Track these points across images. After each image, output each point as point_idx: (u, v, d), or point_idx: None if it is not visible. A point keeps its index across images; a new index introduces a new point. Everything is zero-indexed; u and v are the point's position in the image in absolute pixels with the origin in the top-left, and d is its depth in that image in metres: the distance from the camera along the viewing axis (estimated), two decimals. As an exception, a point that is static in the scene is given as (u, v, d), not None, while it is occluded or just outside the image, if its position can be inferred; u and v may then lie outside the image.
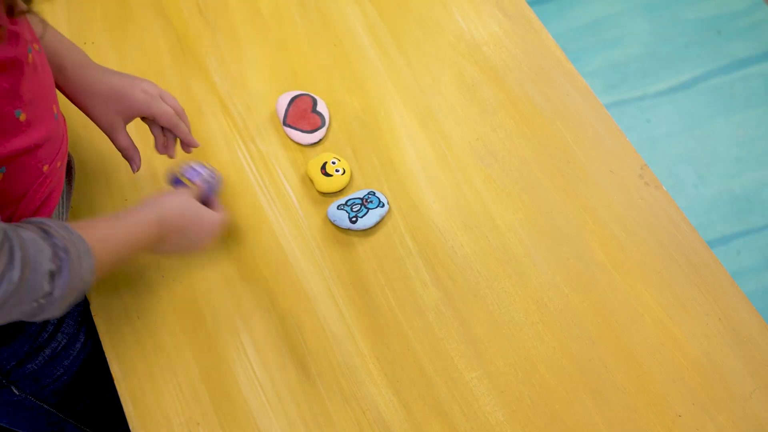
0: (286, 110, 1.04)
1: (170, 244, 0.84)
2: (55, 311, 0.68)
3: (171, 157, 0.93)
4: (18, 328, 0.84)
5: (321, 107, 1.05)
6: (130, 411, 0.86)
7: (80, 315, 0.93)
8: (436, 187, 1.01)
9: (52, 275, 0.65)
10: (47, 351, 0.88)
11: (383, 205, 0.97)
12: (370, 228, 0.97)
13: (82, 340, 0.93)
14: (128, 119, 0.89)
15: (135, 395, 0.87)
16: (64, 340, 0.90)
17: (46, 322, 0.87)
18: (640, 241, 0.98)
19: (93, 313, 0.91)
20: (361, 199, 0.97)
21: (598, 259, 0.97)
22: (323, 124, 1.04)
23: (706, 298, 0.95)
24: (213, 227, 0.89)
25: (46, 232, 0.67)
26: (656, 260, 0.97)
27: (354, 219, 0.95)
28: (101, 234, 0.74)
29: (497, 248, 0.97)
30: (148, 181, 1.00)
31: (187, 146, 0.93)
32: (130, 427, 0.85)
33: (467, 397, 0.88)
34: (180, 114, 0.91)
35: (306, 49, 1.12)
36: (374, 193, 0.98)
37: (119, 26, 1.12)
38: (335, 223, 0.96)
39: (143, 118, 0.91)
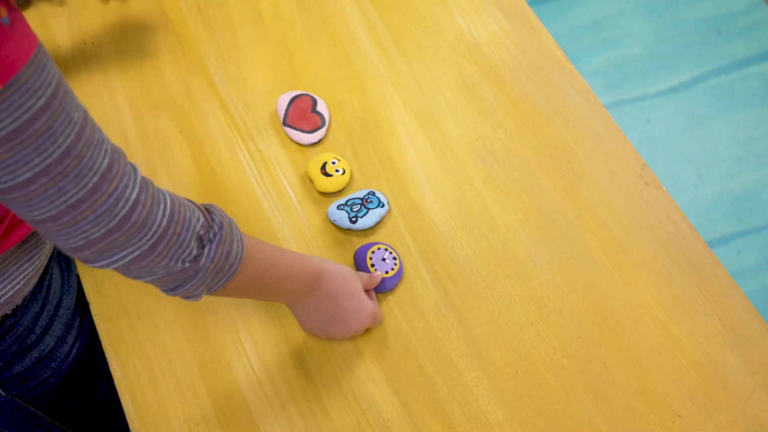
0: (286, 110, 1.04)
1: (317, 306, 0.81)
2: (196, 286, 0.66)
3: None
4: (5, 329, 0.83)
5: (321, 107, 1.05)
6: (130, 411, 0.86)
7: (69, 318, 0.93)
8: (436, 187, 1.01)
9: (202, 241, 0.65)
10: (35, 353, 0.88)
11: (383, 205, 0.97)
12: (370, 228, 0.97)
13: (69, 343, 0.93)
14: None
15: (135, 395, 0.87)
16: (52, 343, 0.90)
17: (34, 324, 0.86)
18: (640, 241, 0.98)
19: (93, 313, 0.91)
20: (361, 199, 0.97)
21: (598, 259, 0.97)
22: (323, 124, 1.04)
23: (706, 298, 0.95)
24: (367, 315, 0.84)
25: (207, 208, 0.68)
26: (656, 260, 0.97)
27: (354, 219, 0.95)
28: (258, 244, 0.73)
29: (497, 248, 0.97)
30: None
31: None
32: (130, 427, 0.85)
33: (467, 397, 0.88)
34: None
35: (306, 49, 1.12)
36: (374, 193, 0.98)
37: (119, 26, 1.12)
38: (335, 223, 0.96)
39: None
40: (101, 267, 0.61)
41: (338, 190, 0.99)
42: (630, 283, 0.95)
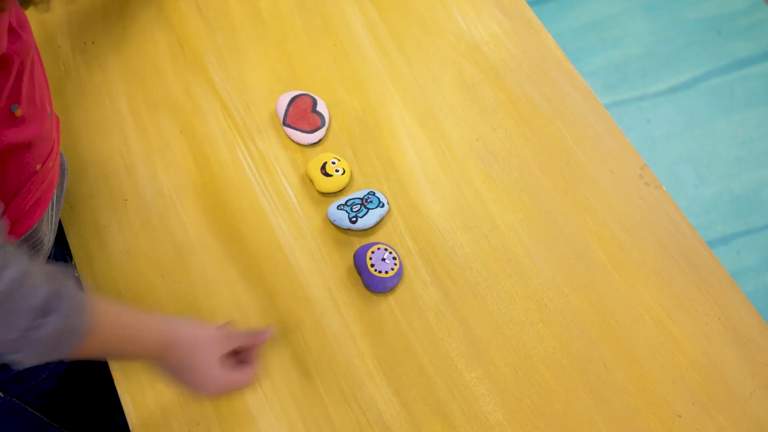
0: (286, 110, 1.04)
1: (171, 372, 0.79)
2: (30, 355, 0.63)
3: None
4: None
5: (321, 107, 1.05)
6: (130, 411, 0.86)
7: None
8: (436, 187, 1.01)
9: (43, 312, 0.61)
10: None
11: (383, 205, 0.97)
12: (370, 228, 0.97)
13: None
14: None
15: (135, 395, 0.87)
16: None
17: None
18: (640, 241, 0.98)
19: (93, 313, 0.91)
20: (361, 199, 0.97)
21: (598, 259, 0.97)
22: (323, 124, 1.04)
23: (706, 298, 0.95)
24: (213, 389, 0.82)
25: (59, 276, 0.64)
26: (656, 260, 0.97)
27: (354, 219, 0.95)
28: (110, 319, 0.71)
29: (497, 248, 0.97)
30: (148, 182, 1.00)
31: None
32: (130, 427, 0.85)
33: (467, 397, 0.88)
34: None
35: (306, 49, 1.12)
36: (374, 193, 0.98)
37: (119, 26, 1.12)
38: (335, 223, 0.96)
39: None
40: None
41: (338, 190, 0.99)
42: (630, 283, 0.95)
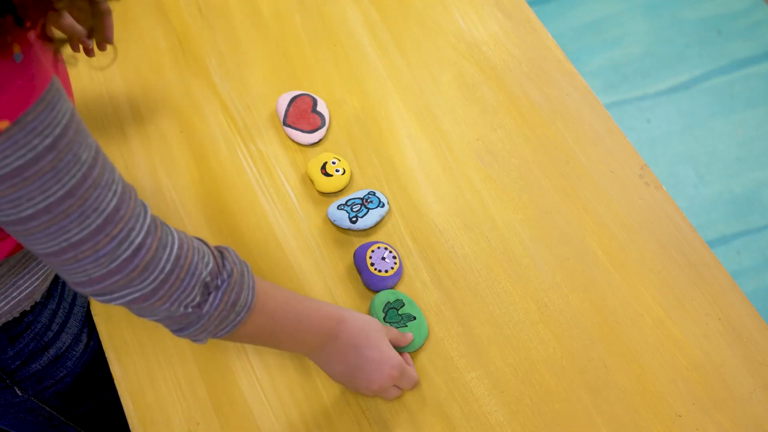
0: (286, 110, 1.04)
1: (337, 356, 0.78)
2: (199, 332, 0.65)
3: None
4: (24, 326, 0.84)
5: (321, 107, 1.05)
6: (130, 411, 0.86)
7: (84, 316, 0.93)
8: (436, 187, 1.01)
9: (207, 288, 0.63)
10: (52, 351, 0.88)
11: (383, 205, 0.97)
12: (370, 228, 0.97)
13: (84, 341, 0.93)
14: None
15: (135, 395, 0.87)
16: (69, 341, 0.90)
17: (50, 321, 0.87)
18: (640, 241, 0.98)
19: (93, 313, 0.91)
20: (361, 199, 0.97)
21: (598, 259, 0.97)
22: (323, 124, 1.04)
23: (706, 298, 0.95)
24: (391, 366, 0.79)
25: (220, 252, 0.66)
26: (656, 260, 0.97)
27: (354, 219, 0.95)
28: (274, 291, 0.71)
29: (497, 248, 0.97)
30: (148, 179, 1.00)
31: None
32: (130, 427, 0.85)
33: (467, 397, 0.88)
34: None
35: (306, 49, 1.12)
36: (374, 193, 0.98)
37: (119, 26, 1.12)
38: (335, 223, 0.96)
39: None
40: (104, 302, 0.61)
41: (338, 190, 0.99)
42: (630, 283, 0.95)
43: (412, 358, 0.89)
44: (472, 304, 0.93)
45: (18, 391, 0.89)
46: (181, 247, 0.62)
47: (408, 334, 0.87)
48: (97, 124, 1.03)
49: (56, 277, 0.87)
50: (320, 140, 1.04)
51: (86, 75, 1.07)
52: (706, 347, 0.92)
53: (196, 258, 0.63)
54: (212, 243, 0.94)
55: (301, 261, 0.95)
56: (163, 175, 1.00)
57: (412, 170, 1.03)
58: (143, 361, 0.89)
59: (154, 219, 0.61)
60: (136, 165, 1.01)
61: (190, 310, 0.63)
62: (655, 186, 1.03)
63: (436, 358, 0.90)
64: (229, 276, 0.65)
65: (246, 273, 0.68)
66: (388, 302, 0.90)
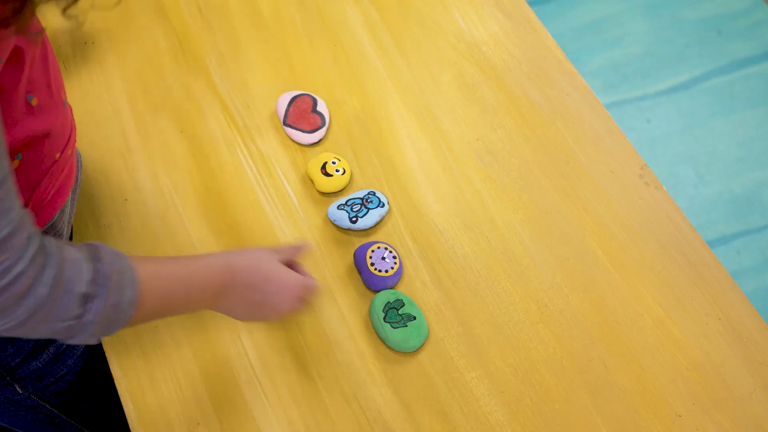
0: (286, 110, 1.04)
1: (238, 302, 0.77)
2: (88, 337, 0.65)
3: None
4: None
5: (321, 107, 1.05)
6: (130, 411, 0.86)
7: None
8: (436, 187, 1.01)
9: (85, 299, 0.62)
10: (51, 349, 0.88)
11: (383, 205, 0.97)
12: (370, 228, 0.97)
13: None
14: None
15: (135, 395, 0.87)
16: None
17: None
18: (640, 241, 0.98)
19: (93, 313, 0.91)
20: (361, 199, 0.97)
21: (598, 259, 0.97)
22: (323, 124, 1.04)
23: (706, 298, 0.95)
24: (291, 291, 0.78)
25: (95, 255, 0.65)
26: (656, 260, 0.97)
27: (354, 219, 0.95)
28: (157, 269, 0.70)
29: (497, 248, 0.97)
30: (148, 179, 1.00)
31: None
32: (130, 427, 0.85)
33: (467, 397, 0.88)
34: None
35: (306, 49, 1.12)
36: (374, 193, 0.98)
37: (119, 26, 1.12)
38: (335, 223, 0.96)
39: None
40: None
41: (338, 190, 0.99)
42: (630, 283, 0.95)
43: (412, 358, 0.89)
44: (472, 304, 0.93)
45: (18, 389, 0.89)
46: (59, 266, 0.60)
47: (300, 244, 0.84)
48: (97, 124, 1.03)
49: None
50: (320, 140, 1.04)
51: (86, 75, 1.07)
52: (706, 347, 0.92)
53: (72, 274, 0.61)
54: (213, 243, 0.95)
55: (301, 261, 0.95)
56: (163, 175, 1.00)
57: (412, 170, 1.03)
58: (143, 361, 0.89)
59: (40, 244, 0.60)
60: (136, 165, 1.01)
61: (72, 322, 0.62)
62: (655, 186, 1.03)
63: (436, 358, 0.90)
64: (107, 279, 0.63)
65: (125, 269, 0.66)
66: (388, 302, 0.90)
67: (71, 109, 0.82)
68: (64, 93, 0.78)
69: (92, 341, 0.66)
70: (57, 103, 0.75)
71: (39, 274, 0.59)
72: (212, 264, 0.75)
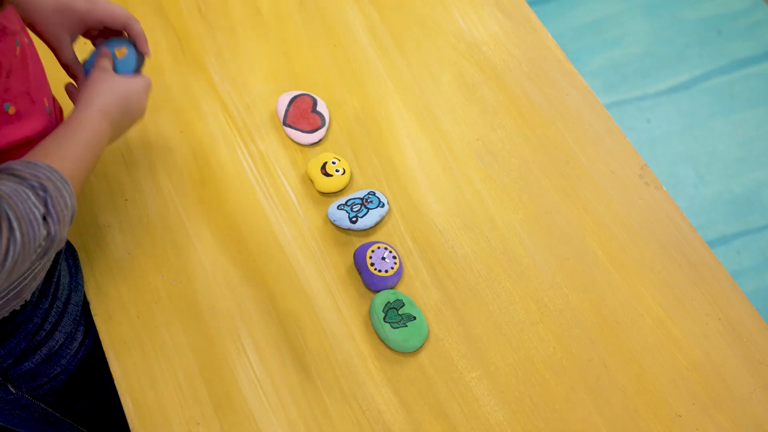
0: (286, 110, 1.04)
1: (121, 127, 0.85)
2: (60, 244, 0.69)
3: (146, 54, 0.91)
4: (15, 325, 0.84)
5: (321, 107, 1.05)
6: (130, 411, 0.86)
7: (78, 314, 0.93)
8: (436, 187, 1.01)
9: (45, 218, 0.66)
10: (44, 349, 0.88)
11: (383, 205, 0.97)
12: (370, 228, 0.97)
13: (79, 339, 0.93)
14: (74, 32, 0.87)
15: (135, 395, 0.87)
16: (62, 339, 0.90)
17: (43, 321, 0.87)
18: (640, 241, 0.98)
19: (93, 313, 0.91)
20: (361, 199, 0.97)
21: (598, 259, 0.97)
22: (323, 124, 1.04)
23: (706, 298, 0.95)
24: (146, 92, 0.88)
25: (18, 177, 0.67)
26: (656, 260, 0.97)
27: (354, 219, 0.95)
28: (62, 154, 0.74)
29: (497, 248, 0.97)
30: (148, 179, 1.00)
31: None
32: (130, 427, 0.85)
33: (467, 397, 0.88)
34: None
35: (306, 49, 1.12)
36: (374, 193, 0.98)
37: (119, 26, 1.12)
38: (335, 223, 0.96)
39: (94, 39, 0.90)
40: None
41: (338, 190, 0.99)
42: (630, 283, 0.95)
43: (412, 358, 0.89)
44: (472, 304, 0.93)
45: (11, 388, 0.89)
46: (18, 221, 0.63)
47: (104, 51, 0.88)
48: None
49: (49, 277, 0.87)
50: (320, 140, 1.04)
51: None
52: (706, 347, 0.92)
53: (21, 205, 0.64)
54: (213, 243, 0.95)
55: (301, 261, 0.95)
56: (163, 175, 1.00)
57: (412, 170, 1.03)
58: (143, 361, 0.89)
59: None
60: (136, 165, 1.01)
61: (44, 243, 0.66)
62: (655, 186, 1.03)
63: (436, 358, 0.90)
64: (44, 189, 0.67)
65: (47, 171, 0.69)
66: (388, 302, 0.90)
67: (62, 112, 0.82)
68: (50, 99, 0.78)
69: (62, 245, 0.71)
70: (39, 110, 0.74)
71: (8, 225, 0.62)
72: (92, 118, 0.80)
